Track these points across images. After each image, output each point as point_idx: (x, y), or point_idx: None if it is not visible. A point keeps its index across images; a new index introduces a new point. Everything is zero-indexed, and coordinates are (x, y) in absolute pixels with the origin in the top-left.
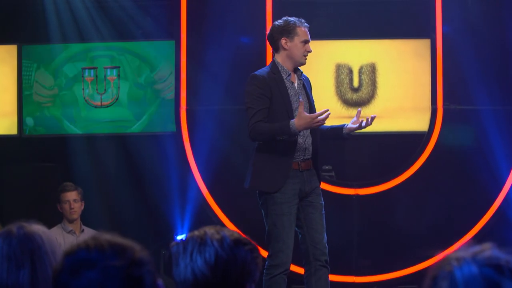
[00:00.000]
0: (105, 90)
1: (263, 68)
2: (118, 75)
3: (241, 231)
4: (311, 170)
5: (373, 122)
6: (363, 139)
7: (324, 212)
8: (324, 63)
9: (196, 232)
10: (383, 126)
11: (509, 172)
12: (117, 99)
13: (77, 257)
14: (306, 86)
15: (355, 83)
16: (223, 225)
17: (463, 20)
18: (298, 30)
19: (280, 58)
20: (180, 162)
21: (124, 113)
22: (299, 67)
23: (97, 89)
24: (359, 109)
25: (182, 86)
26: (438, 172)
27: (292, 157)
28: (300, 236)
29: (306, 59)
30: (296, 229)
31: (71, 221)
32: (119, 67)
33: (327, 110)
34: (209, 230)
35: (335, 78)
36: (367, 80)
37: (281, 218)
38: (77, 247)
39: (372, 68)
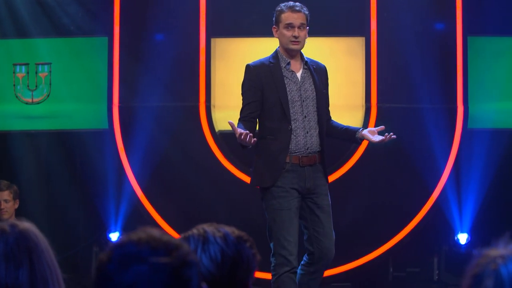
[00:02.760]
0: (36, 86)
1: (266, 56)
2: (50, 71)
3: (178, 232)
4: (315, 166)
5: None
6: None
7: (331, 212)
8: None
9: (194, 231)
10: None
11: (444, 167)
12: (48, 95)
13: (127, 250)
14: (314, 75)
15: None
16: (156, 224)
17: (398, 17)
18: (282, 16)
19: (280, 46)
20: (114, 160)
21: (57, 109)
22: (303, 55)
23: (28, 86)
24: (383, 126)
25: (115, 83)
26: (371, 170)
27: (286, 152)
28: (305, 236)
29: (294, 44)
30: (301, 227)
31: (1, 221)
32: (51, 63)
33: (248, 133)
34: (208, 228)
35: None
36: None
37: (280, 213)
38: (128, 240)
39: None
